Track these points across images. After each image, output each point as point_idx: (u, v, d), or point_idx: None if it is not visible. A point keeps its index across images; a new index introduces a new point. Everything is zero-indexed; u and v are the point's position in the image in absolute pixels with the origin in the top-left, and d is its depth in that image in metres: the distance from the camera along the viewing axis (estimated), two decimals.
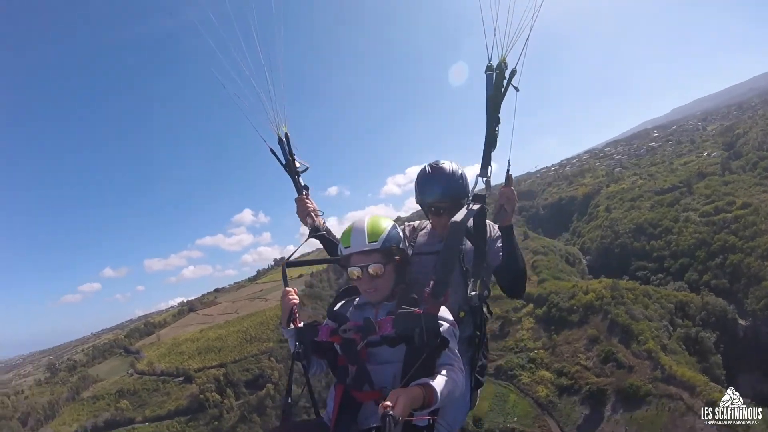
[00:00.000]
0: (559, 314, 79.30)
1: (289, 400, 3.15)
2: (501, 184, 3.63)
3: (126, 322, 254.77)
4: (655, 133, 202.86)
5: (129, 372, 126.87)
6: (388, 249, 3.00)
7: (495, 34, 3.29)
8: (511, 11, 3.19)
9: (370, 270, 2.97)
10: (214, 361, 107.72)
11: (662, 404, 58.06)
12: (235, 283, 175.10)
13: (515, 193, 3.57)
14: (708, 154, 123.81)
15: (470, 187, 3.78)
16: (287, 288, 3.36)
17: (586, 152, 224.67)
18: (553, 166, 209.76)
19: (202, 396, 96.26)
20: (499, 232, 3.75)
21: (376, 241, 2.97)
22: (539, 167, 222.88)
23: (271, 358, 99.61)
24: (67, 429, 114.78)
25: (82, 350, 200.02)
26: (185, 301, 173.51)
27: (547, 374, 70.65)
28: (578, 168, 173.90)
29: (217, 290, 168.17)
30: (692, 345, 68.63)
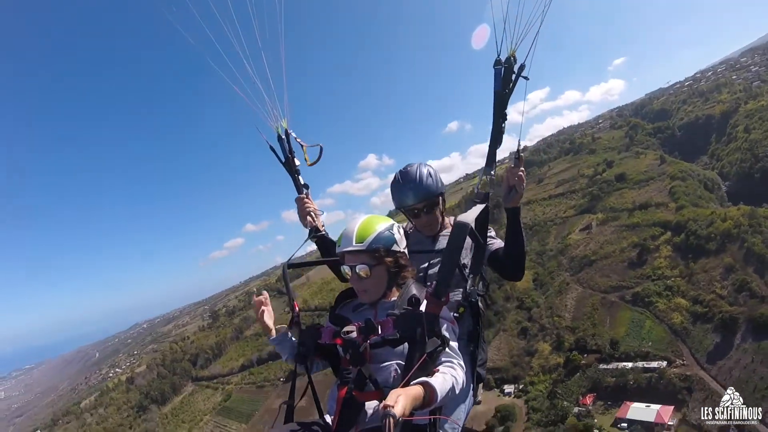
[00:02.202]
0: (697, 242, 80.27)
1: (293, 402, 3.28)
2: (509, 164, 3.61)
3: (270, 269, 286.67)
4: None
5: (285, 310, 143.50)
6: (374, 251, 3.01)
7: (505, 27, 3.29)
8: (522, 4, 3.20)
9: (358, 271, 3.01)
10: None
11: None
12: None
13: (524, 173, 3.53)
14: None
15: (443, 182, 3.95)
16: (259, 297, 3.40)
17: (721, 63, 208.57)
18: (686, 80, 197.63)
19: None
20: (498, 242, 3.85)
21: (362, 243, 3.00)
22: (671, 83, 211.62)
23: None
24: (234, 363, 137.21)
25: (235, 297, 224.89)
26: None
27: (682, 302, 73.18)
28: (713, 83, 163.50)
29: None
30: None
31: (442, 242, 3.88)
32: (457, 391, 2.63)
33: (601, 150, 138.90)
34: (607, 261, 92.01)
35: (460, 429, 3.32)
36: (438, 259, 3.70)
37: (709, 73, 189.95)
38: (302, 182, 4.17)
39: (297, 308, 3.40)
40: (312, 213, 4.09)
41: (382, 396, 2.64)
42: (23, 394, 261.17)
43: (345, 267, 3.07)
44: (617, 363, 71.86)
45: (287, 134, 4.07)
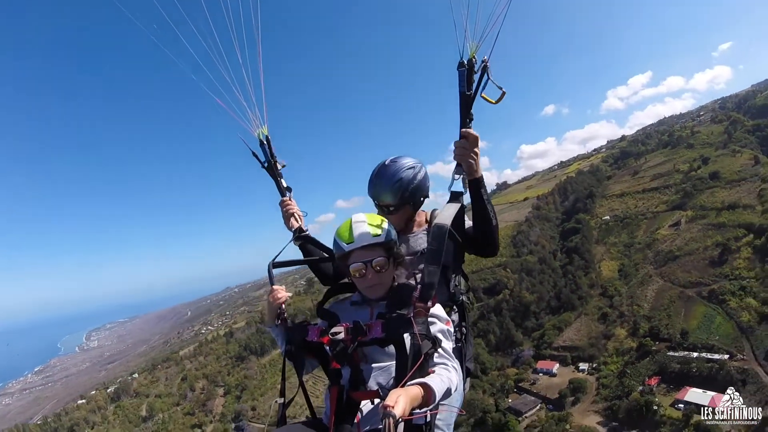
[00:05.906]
0: None
1: (284, 401, 3.22)
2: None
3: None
4: None
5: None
6: (390, 243, 3.06)
7: (466, 30, 3.31)
8: (480, 8, 3.23)
9: (375, 264, 3.00)
10: None
11: None
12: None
13: (468, 146, 3.41)
14: None
15: (428, 184, 3.89)
16: (274, 287, 3.31)
17: None
18: None
19: None
20: (469, 222, 3.75)
21: (380, 235, 3.01)
22: None
23: (507, 269, 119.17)
24: None
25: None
26: None
27: (753, 302, 79.95)
28: None
29: None
30: None
31: (413, 242, 3.86)
32: (452, 394, 2.71)
33: (698, 145, 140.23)
34: (690, 258, 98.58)
35: (452, 425, 3.42)
36: (410, 259, 3.74)
37: None
38: (285, 185, 4.19)
39: (283, 305, 3.42)
40: (296, 215, 4.08)
41: (379, 395, 2.79)
42: (115, 344, 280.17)
43: (357, 264, 3.05)
44: (684, 352, 79.55)
45: (268, 140, 4.11)
